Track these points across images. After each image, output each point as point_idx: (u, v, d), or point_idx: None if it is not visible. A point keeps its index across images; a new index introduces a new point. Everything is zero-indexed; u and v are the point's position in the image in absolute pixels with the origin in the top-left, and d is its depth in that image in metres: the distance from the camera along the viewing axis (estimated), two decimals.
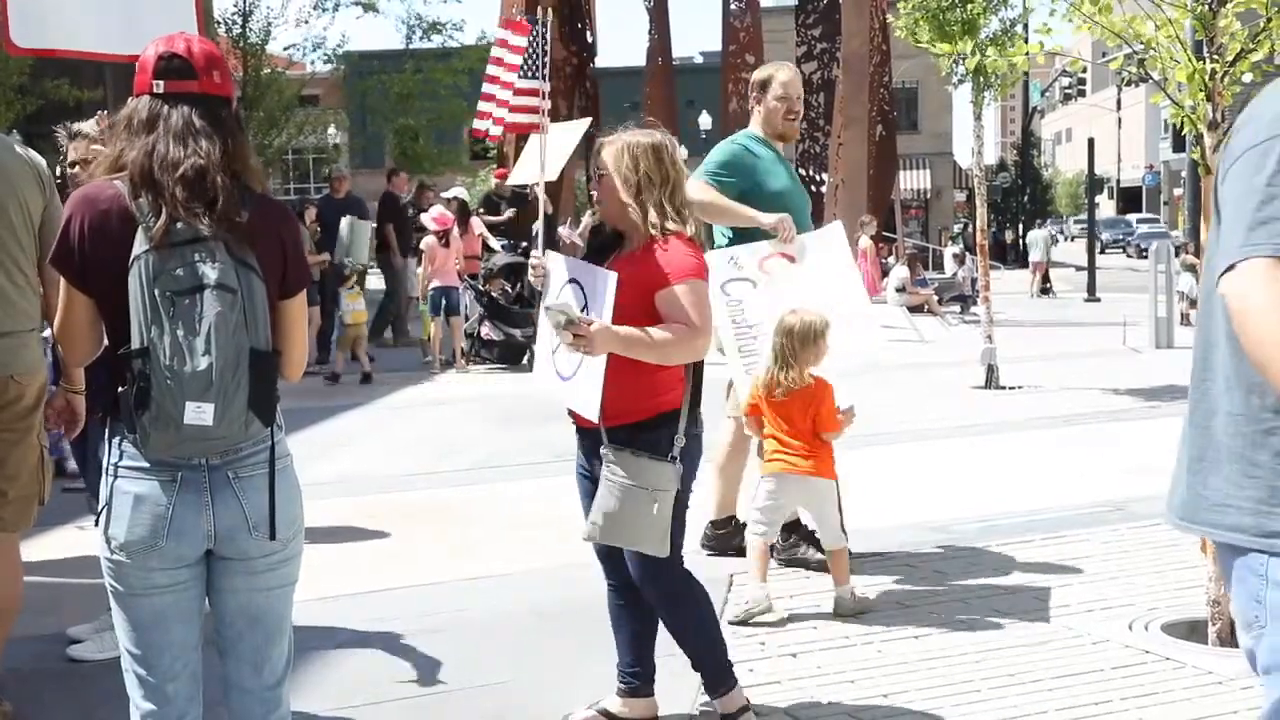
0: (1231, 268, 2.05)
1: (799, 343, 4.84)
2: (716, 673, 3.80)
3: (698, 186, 5.23)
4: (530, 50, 8.09)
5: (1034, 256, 27.85)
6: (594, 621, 3.87)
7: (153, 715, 2.74)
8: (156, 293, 2.51)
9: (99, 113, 4.67)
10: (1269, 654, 2.14)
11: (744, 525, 5.50)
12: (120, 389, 2.58)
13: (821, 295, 5.13)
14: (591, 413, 3.54)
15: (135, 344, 2.51)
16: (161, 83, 2.69)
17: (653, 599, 3.75)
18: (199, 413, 2.50)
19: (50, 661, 4.54)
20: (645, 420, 3.58)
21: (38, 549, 5.61)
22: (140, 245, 2.54)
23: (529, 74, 8.08)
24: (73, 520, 6.09)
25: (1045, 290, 26.45)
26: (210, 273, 2.54)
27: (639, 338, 3.48)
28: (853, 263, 5.46)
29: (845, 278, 5.43)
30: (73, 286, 2.67)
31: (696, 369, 3.72)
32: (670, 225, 3.58)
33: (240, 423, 2.58)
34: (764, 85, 5.60)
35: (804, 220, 5.51)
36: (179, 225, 2.56)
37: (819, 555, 5.33)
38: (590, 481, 3.70)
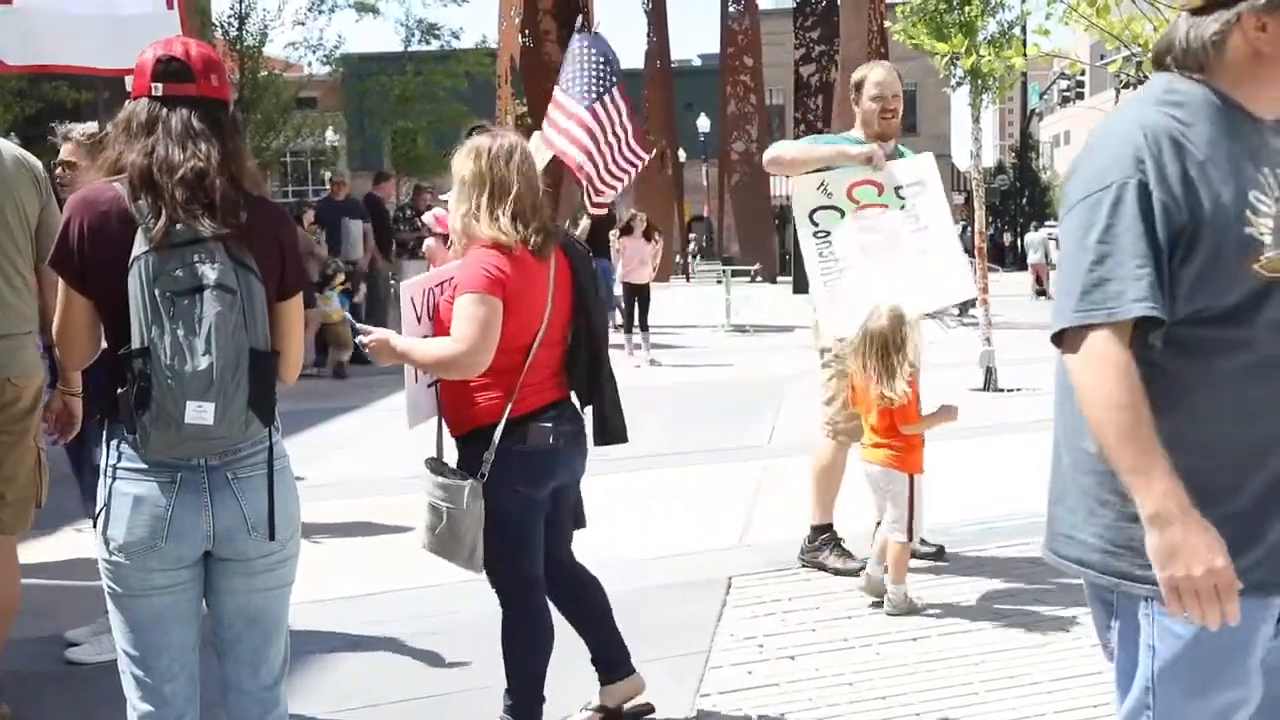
0: (1065, 334, 2.13)
1: (880, 356, 4.89)
2: (513, 699, 3.66)
3: (795, 145, 5.46)
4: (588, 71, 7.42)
5: (1032, 259, 27.91)
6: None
7: (150, 716, 2.74)
8: (156, 293, 2.51)
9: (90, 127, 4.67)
10: (1117, 672, 2.28)
11: (835, 537, 5.53)
12: (119, 390, 2.58)
13: (912, 238, 5.22)
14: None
15: (136, 344, 2.52)
16: (160, 85, 2.70)
17: (500, 605, 3.69)
18: (200, 412, 2.51)
19: (48, 664, 4.54)
20: (463, 435, 3.55)
21: (35, 551, 5.61)
22: (140, 246, 2.55)
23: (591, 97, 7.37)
24: (70, 523, 6.09)
25: (1042, 292, 26.47)
26: (210, 273, 2.55)
27: (410, 351, 3.46)
28: (947, 205, 5.35)
29: (939, 221, 5.31)
30: (72, 288, 2.68)
31: (593, 376, 3.63)
32: (488, 232, 3.42)
33: (240, 422, 2.59)
34: (859, 87, 5.50)
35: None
36: (178, 226, 2.57)
37: (847, 564, 5.40)
38: None
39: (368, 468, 8.08)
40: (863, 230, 5.26)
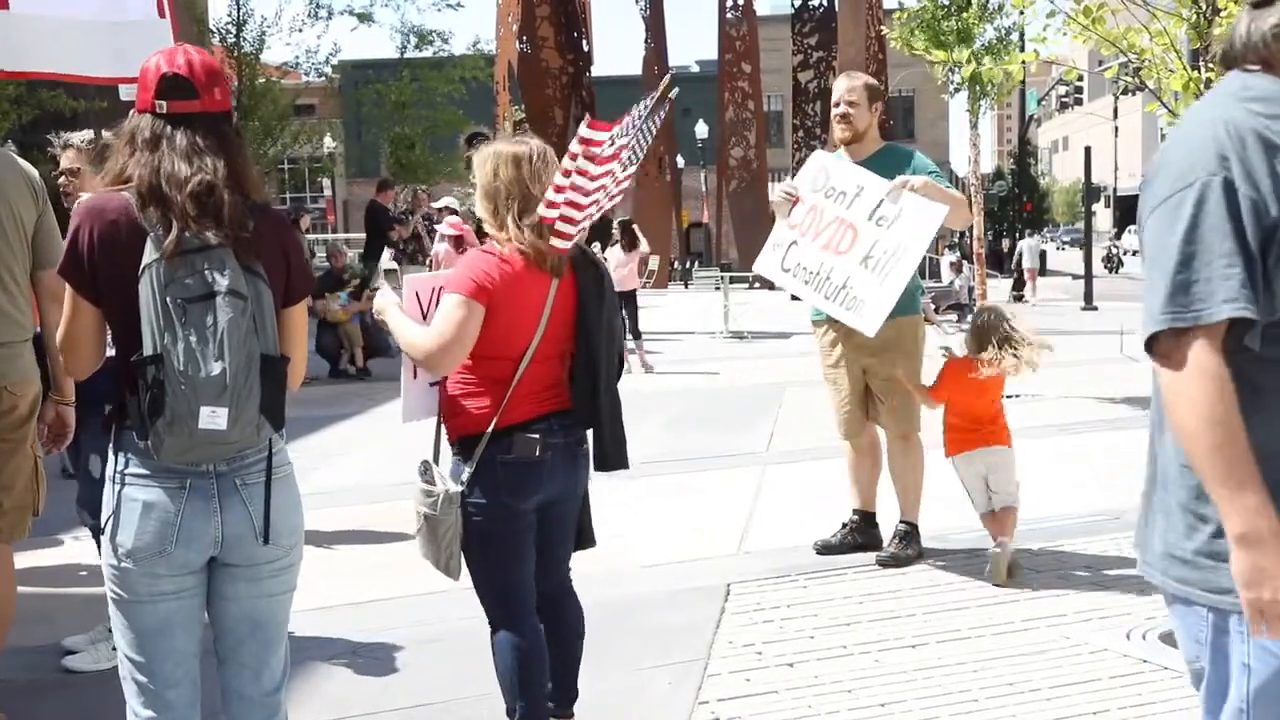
0: (1156, 339, 2.03)
1: (1012, 324, 5.36)
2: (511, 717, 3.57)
3: None
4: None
5: (1027, 264, 28.29)
6: (589, 631, 3.86)
7: None
8: (168, 300, 2.55)
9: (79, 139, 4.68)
10: (1206, 694, 2.16)
11: (860, 526, 5.82)
12: (130, 396, 2.60)
13: (869, 231, 5.40)
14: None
15: (148, 351, 2.55)
16: (164, 103, 2.72)
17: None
18: (213, 417, 2.55)
19: (45, 672, 4.52)
20: (453, 441, 3.53)
21: (31, 559, 5.59)
22: (150, 254, 2.58)
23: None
24: (67, 530, 6.07)
25: (1019, 298, 26.63)
26: (221, 280, 2.59)
27: (397, 326, 3.56)
28: (921, 239, 5.43)
29: (910, 248, 5.42)
30: (81, 296, 2.70)
31: (594, 397, 3.53)
32: (501, 236, 3.46)
33: (253, 427, 2.63)
34: None
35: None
36: (187, 234, 2.60)
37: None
38: None
39: (367, 475, 8.06)
40: (818, 233, 5.54)
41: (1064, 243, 63.97)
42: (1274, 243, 1.99)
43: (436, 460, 3.58)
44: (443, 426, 3.62)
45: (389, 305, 3.59)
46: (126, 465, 2.67)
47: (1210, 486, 1.99)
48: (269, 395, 2.64)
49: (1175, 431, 2.04)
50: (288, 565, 2.83)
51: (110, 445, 2.72)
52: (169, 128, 2.70)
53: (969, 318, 18.81)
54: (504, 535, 3.51)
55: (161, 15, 5.03)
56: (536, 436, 3.45)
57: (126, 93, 4.96)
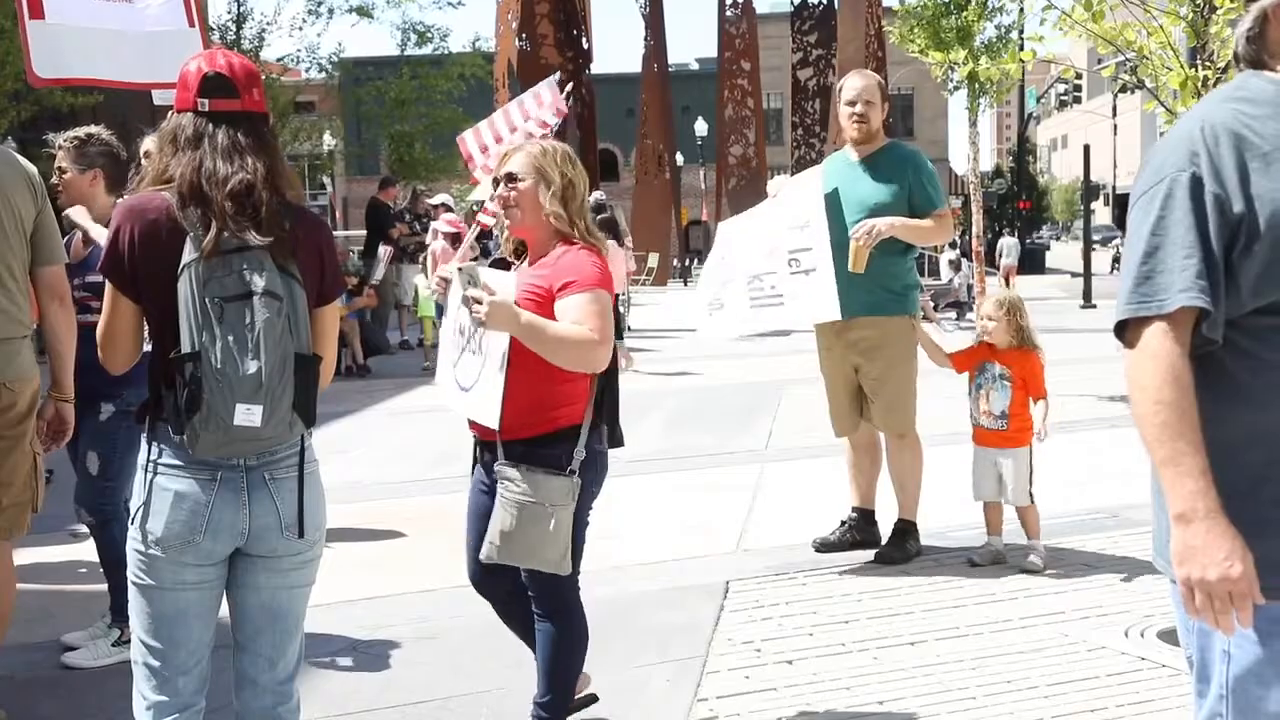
0: (1123, 326, 2.10)
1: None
2: (558, 706, 3.64)
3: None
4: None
5: (1007, 261, 28.78)
6: (589, 629, 3.87)
7: (161, 705, 2.81)
8: (206, 299, 2.60)
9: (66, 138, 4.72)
10: (1195, 679, 2.21)
11: (859, 524, 5.90)
12: (167, 391, 2.65)
13: (784, 240, 5.50)
14: (492, 420, 3.37)
15: (186, 348, 2.60)
16: (207, 101, 2.78)
17: (544, 614, 3.61)
18: (248, 414, 2.61)
19: (45, 669, 4.53)
20: (543, 435, 3.45)
21: (31, 556, 5.60)
22: (189, 254, 2.63)
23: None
24: (66, 527, 6.08)
25: None
26: (258, 280, 2.64)
27: (538, 326, 3.29)
28: (821, 215, 5.44)
29: (810, 227, 5.47)
30: (121, 294, 2.75)
31: (609, 385, 3.63)
32: (589, 236, 3.54)
33: (285, 423, 2.69)
34: (840, 95, 5.84)
35: (840, 215, 5.59)
36: (225, 235, 2.65)
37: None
38: (488, 496, 3.55)
39: (367, 471, 8.05)
40: (750, 241, 5.70)
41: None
42: (1239, 237, 2.04)
43: (501, 457, 3.48)
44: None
45: (509, 307, 3.27)
46: (160, 455, 2.73)
47: (1158, 467, 2.05)
48: (301, 393, 2.70)
49: (1136, 423, 2.08)
50: (310, 559, 2.88)
51: (144, 435, 2.78)
52: (211, 126, 2.76)
53: (968, 316, 18.78)
54: (587, 522, 3.60)
55: (191, 25, 5.25)
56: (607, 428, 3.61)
57: (160, 98, 5.13)
